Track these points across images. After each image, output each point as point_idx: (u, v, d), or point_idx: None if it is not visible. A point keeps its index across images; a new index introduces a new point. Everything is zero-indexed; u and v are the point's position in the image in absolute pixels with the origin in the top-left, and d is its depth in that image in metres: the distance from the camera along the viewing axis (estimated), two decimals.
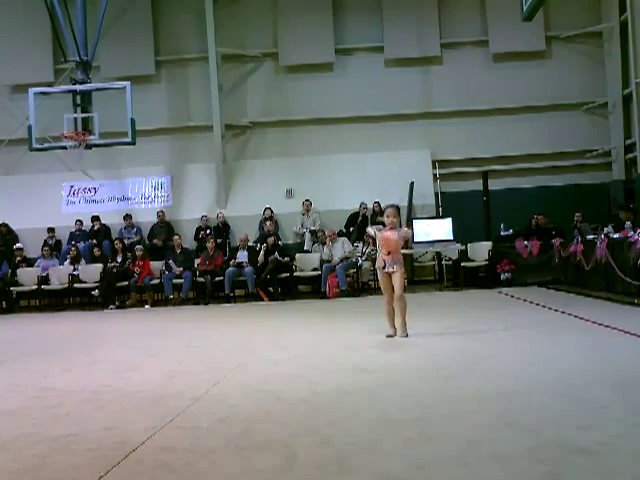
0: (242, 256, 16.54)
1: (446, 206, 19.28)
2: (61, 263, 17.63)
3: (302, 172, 19.47)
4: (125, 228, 18.80)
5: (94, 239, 18.39)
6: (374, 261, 15.68)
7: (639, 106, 18.44)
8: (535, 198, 18.75)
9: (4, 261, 17.21)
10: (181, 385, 5.95)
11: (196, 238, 18.45)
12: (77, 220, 18.76)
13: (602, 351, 6.66)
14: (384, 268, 8.28)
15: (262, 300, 15.80)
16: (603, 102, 19.77)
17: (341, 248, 16.18)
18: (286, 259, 16.54)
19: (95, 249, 17.63)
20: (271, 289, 16.25)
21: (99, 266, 17.04)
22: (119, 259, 17.08)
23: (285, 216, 18.89)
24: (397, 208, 8.57)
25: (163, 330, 11.19)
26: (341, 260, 15.84)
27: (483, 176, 17.88)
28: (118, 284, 16.54)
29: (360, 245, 16.92)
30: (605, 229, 14.03)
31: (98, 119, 16.70)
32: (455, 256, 16.99)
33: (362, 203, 18.05)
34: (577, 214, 17.08)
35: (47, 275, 17.02)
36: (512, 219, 17.38)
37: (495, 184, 18.33)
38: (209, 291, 16.32)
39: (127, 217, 18.88)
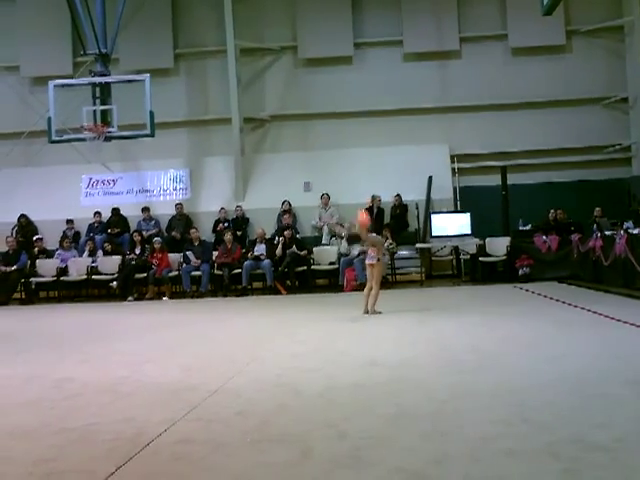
0: (260, 249, 16.55)
1: (464, 200, 19.22)
2: (80, 255, 17.71)
3: (320, 166, 19.44)
4: (143, 220, 18.84)
5: (107, 232, 18.44)
6: (392, 255, 15.76)
7: None
8: (554, 193, 18.63)
9: (23, 252, 17.30)
10: (198, 378, 5.98)
11: (214, 231, 18.48)
12: (96, 212, 18.83)
13: (619, 347, 6.63)
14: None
15: (279, 293, 15.82)
16: (624, 97, 19.62)
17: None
18: (304, 252, 16.54)
19: (105, 244, 17.64)
20: (289, 282, 16.28)
21: (118, 258, 17.10)
22: (137, 251, 17.13)
23: (303, 209, 18.86)
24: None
25: (180, 322, 11.24)
26: (359, 254, 15.81)
27: (502, 171, 17.82)
28: (136, 276, 16.60)
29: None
30: (625, 225, 13.95)
31: (117, 112, 16.75)
32: (473, 251, 16.95)
33: (374, 196, 17.96)
34: (596, 209, 16.96)
35: (66, 266, 17.11)
36: (531, 214, 17.33)
37: (514, 179, 18.24)
38: (226, 284, 16.35)
39: (145, 209, 18.92)
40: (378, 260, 10.68)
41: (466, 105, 19.83)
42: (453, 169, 19.63)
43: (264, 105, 20.52)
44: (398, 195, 18.13)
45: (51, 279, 17.02)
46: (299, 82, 20.41)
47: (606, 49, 19.87)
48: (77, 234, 18.82)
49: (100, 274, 17.02)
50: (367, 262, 10.87)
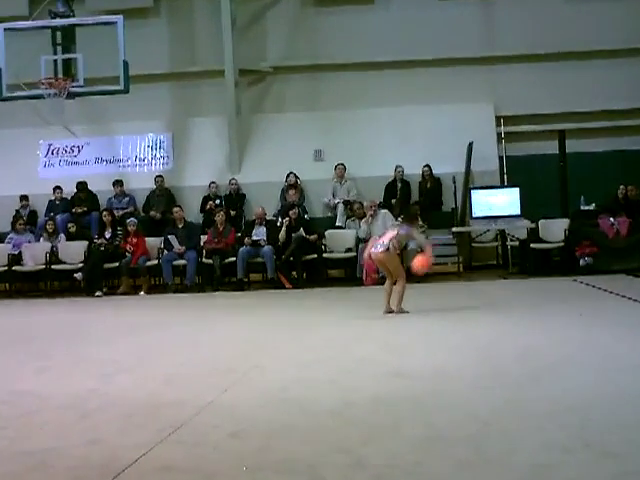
0: (259, 233, 16.56)
1: (513, 173, 19.17)
2: (37, 239, 17.73)
3: (334, 130, 19.41)
4: (115, 197, 18.84)
5: (71, 211, 18.44)
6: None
7: None
8: (624, 164, 18.57)
9: None
10: (183, 391, 6.00)
11: (203, 210, 18.50)
12: (56, 186, 18.80)
13: None
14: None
15: (283, 287, 15.84)
16: None
17: (382, 224, 16.05)
18: (313, 237, 16.54)
19: (69, 225, 17.64)
20: (294, 273, 16.29)
21: (83, 243, 17.12)
22: (107, 235, 17.15)
23: (313, 183, 18.86)
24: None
25: (161, 323, 11.27)
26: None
27: (559, 136, 17.73)
28: (106, 266, 16.61)
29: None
30: None
31: (83, 62, 16.71)
32: (523, 236, 16.92)
33: (398, 167, 17.98)
34: None
35: (20, 253, 17.14)
36: (595, 190, 17.29)
37: (574, 146, 18.14)
38: (218, 275, 16.37)
39: (117, 183, 18.91)
40: (387, 250, 10.44)
41: (516, 54, 19.69)
42: (499, 134, 19.58)
43: (265, 54, 20.47)
44: (427, 166, 18.09)
45: (1, 269, 17.06)
46: (309, 26, 20.32)
47: None
48: (33, 213, 18.84)
49: (62, 263, 17.06)
50: (373, 251, 10.56)
